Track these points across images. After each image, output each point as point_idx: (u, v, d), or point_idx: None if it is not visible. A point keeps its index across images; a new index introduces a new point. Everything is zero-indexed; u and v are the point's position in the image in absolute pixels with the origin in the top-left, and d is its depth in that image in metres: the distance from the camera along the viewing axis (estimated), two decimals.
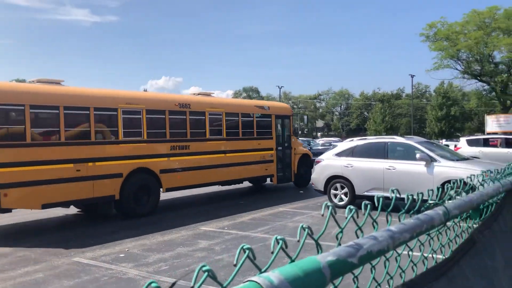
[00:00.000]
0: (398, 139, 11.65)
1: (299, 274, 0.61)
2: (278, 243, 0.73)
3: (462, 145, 20.84)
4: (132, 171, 10.12)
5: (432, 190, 1.43)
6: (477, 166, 10.00)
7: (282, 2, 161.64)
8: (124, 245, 7.84)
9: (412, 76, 55.84)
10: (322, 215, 0.88)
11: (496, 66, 31.75)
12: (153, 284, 0.50)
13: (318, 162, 12.37)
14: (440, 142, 59.96)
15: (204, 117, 11.97)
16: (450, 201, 1.35)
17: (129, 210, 10.21)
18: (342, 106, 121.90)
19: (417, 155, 10.54)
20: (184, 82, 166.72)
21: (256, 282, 0.57)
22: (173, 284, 0.50)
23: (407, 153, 11.56)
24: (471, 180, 1.81)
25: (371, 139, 12.22)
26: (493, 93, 32.97)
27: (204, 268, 0.57)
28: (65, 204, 9.33)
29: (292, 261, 0.70)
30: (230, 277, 0.63)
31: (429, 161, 10.43)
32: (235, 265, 0.64)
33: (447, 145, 38.87)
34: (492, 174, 2.14)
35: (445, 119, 57.87)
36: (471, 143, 20.82)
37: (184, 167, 10.97)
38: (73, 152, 9.12)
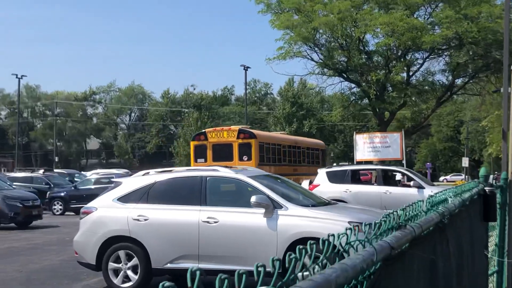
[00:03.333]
0: (222, 171, 12.02)
1: None
2: None
3: (321, 181, 22.69)
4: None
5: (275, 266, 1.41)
6: (344, 217, 10.84)
7: None
8: None
9: (246, 69, 58.76)
10: None
11: (369, 58, 35.80)
12: None
13: (87, 213, 12.05)
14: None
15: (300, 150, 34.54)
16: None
17: None
18: (133, 114, 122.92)
19: (253, 199, 10.99)
20: None
21: None
22: None
23: (238, 195, 11.91)
24: (333, 239, 1.87)
25: (180, 172, 12.45)
26: (366, 100, 37.03)
27: None
28: None
29: None
30: None
31: (271, 207, 10.95)
32: None
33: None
34: (364, 229, 2.27)
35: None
36: (333, 177, 22.80)
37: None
38: (287, 168, 29.76)
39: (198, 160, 27.27)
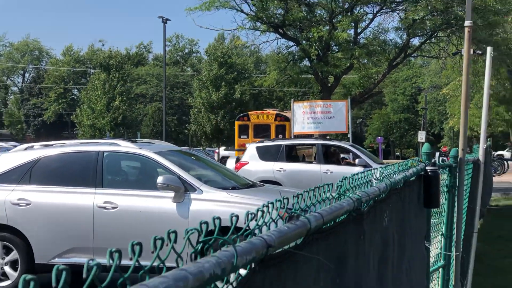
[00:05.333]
0: (123, 145, 11.91)
1: None
2: None
3: (251, 158, 22.69)
4: None
5: None
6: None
7: None
8: None
9: (165, 22, 58.30)
10: None
11: (310, 11, 35.70)
12: None
13: None
14: (215, 152, 64.82)
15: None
16: None
17: None
18: (28, 74, 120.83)
19: (159, 179, 10.89)
20: None
21: None
22: None
23: (142, 175, 12.05)
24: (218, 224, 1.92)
25: (71, 146, 12.41)
26: (307, 61, 37.06)
27: None
28: None
29: None
30: None
31: (182, 190, 10.89)
32: None
33: (225, 158, 42.52)
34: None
35: (224, 107, 62.67)
36: (265, 153, 22.80)
37: None
38: None
39: (241, 136, 38.26)
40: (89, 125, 64.90)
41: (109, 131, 62.06)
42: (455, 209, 7.94)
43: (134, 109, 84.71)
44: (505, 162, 45.26)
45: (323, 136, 30.10)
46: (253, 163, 22.33)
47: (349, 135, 30.34)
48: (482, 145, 10.82)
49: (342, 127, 30.81)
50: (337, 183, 3.37)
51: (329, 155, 23.42)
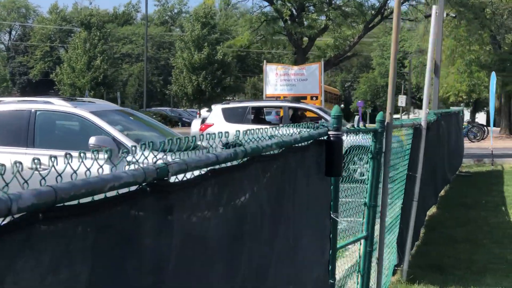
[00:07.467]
0: (58, 104, 11.44)
1: None
2: None
3: (216, 119, 22.18)
4: None
5: None
6: None
7: None
8: None
9: None
10: None
11: None
12: None
13: None
14: (197, 114, 64.01)
15: None
16: None
17: None
18: (14, 32, 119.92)
19: (91, 140, 10.33)
20: None
21: None
22: None
23: (78, 136, 11.54)
24: None
25: (4, 104, 11.91)
26: (280, 22, 36.65)
27: None
28: None
29: None
30: None
31: (115, 152, 10.40)
32: None
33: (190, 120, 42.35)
34: None
35: (205, 68, 62.19)
36: (231, 115, 22.29)
37: None
38: None
39: None
40: (69, 84, 64.41)
41: (89, 90, 61.50)
42: (381, 178, 7.41)
43: (119, 69, 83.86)
44: (485, 128, 44.73)
45: (296, 99, 29.66)
46: (218, 125, 21.78)
47: (322, 98, 29.94)
48: (424, 109, 10.35)
49: (315, 89, 30.35)
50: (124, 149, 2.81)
51: (297, 118, 22.99)
